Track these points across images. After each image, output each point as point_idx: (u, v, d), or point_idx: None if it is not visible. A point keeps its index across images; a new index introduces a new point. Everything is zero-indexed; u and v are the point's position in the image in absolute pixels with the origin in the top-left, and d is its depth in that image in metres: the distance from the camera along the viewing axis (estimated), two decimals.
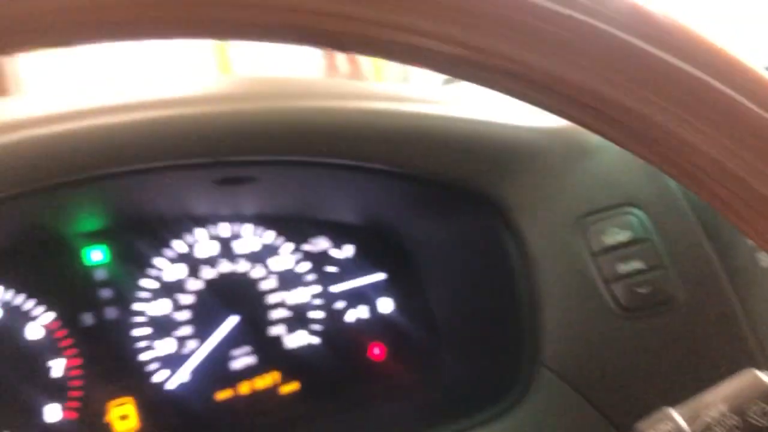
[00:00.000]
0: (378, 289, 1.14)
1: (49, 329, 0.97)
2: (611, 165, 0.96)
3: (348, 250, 1.12)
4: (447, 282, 1.02)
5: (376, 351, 1.13)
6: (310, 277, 1.10)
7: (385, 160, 0.86)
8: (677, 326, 0.85)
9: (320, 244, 1.11)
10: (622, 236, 0.89)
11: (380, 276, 1.14)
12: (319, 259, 1.11)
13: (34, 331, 0.96)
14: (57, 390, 0.97)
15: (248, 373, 1.07)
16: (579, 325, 0.86)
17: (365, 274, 1.13)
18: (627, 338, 0.85)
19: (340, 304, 1.12)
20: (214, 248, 1.05)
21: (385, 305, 1.14)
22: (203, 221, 1.05)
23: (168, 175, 0.76)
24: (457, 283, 1.00)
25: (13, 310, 0.95)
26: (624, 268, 0.87)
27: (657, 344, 0.84)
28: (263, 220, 1.07)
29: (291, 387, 1.10)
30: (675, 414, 0.52)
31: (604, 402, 0.83)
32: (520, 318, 0.91)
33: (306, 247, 1.10)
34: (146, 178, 0.77)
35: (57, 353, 0.97)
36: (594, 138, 0.93)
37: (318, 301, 1.11)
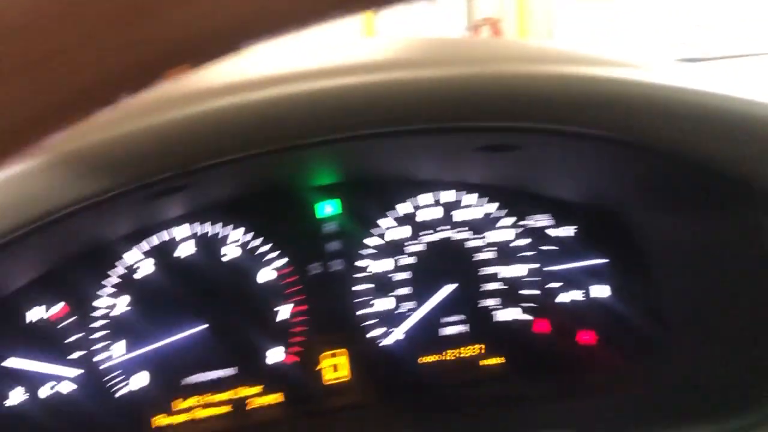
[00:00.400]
0: (596, 274, 1.09)
1: (281, 274, 1.00)
2: None
3: (569, 230, 1.08)
4: (685, 273, 0.96)
5: (587, 337, 1.09)
6: (528, 253, 1.07)
7: (640, 134, 0.79)
8: None
9: (542, 220, 1.07)
10: None
11: (600, 260, 1.09)
12: (538, 236, 1.07)
13: (267, 274, 1.00)
14: (281, 333, 1.01)
15: (456, 341, 1.06)
16: None
17: (585, 257, 1.08)
18: None
19: (554, 284, 1.08)
20: (437, 213, 1.04)
21: (602, 290, 1.09)
22: (429, 186, 1.04)
23: (424, 139, 0.74)
24: (699, 276, 0.93)
25: (250, 251, 0.99)
26: None
27: None
28: (488, 191, 1.04)
29: (494, 361, 1.08)
30: None
31: None
32: None
33: (527, 222, 1.07)
34: (394, 140, 0.75)
35: (285, 298, 1.00)
36: None
37: (533, 279, 1.08)
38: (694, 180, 0.89)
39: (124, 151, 0.56)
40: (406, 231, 1.03)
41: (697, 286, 0.95)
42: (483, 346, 1.07)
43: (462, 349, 1.07)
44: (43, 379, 0.92)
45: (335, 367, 1.03)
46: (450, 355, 1.06)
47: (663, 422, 0.89)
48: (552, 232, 1.08)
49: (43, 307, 0.92)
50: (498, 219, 1.06)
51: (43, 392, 0.92)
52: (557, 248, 1.08)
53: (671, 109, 0.73)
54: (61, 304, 0.93)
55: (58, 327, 0.92)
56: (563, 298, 1.08)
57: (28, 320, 0.91)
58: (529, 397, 1.00)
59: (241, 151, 0.63)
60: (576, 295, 1.09)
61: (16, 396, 0.91)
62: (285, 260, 1.00)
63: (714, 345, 0.92)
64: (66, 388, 0.93)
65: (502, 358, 1.08)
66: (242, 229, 0.99)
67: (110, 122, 0.56)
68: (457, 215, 1.05)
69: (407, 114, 0.62)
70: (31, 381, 0.91)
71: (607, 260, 1.08)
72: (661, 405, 0.93)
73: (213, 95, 0.59)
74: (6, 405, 0.91)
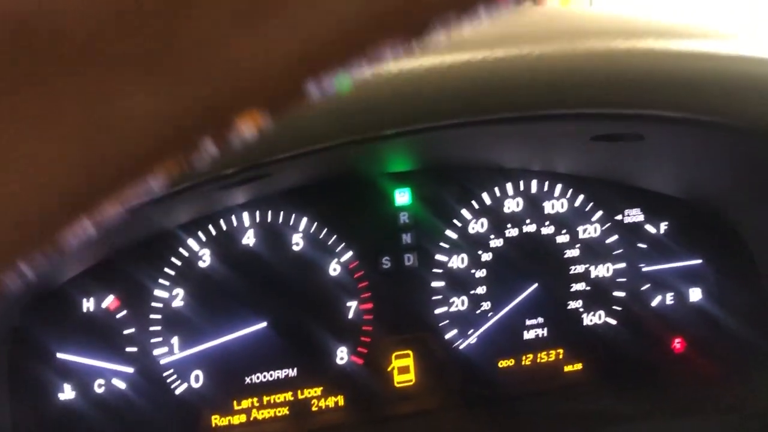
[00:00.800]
0: (691, 275, 0.98)
1: (349, 268, 0.92)
2: None
3: (663, 226, 0.98)
4: None
5: (679, 345, 0.99)
6: (619, 251, 0.97)
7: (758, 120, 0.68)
8: None
9: (634, 216, 0.97)
10: None
11: (695, 260, 0.98)
12: (630, 233, 0.97)
13: (333, 268, 0.92)
14: (347, 333, 0.93)
15: (535, 345, 0.97)
16: None
17: (679, 256, 0.98)
18: None
19: (646, 286, 0.98)
20: (522, 205, 0.95)
21: (699, 293, 0.99)
22: (513, 175, 0.94)
23: (540, 126, 0.65)
24: None
25: (316, 243, 0.91)
26: None
27: None
28: (577, 182, 0.94)
29: (577, 368, 0.99)
30: None
31: None
32: None
33: (618, 217, 0.97)
34: (502, 127, 0.65)
35: (352, 294, 0.92)
36: None
37: (623, 280, 0.98)
38: None
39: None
40: (488, 224, 0.94)
41: None
42: (564, 351, 0.98)
43: (543, 354, 0.98)
44: (98, 373, 0.86)
45: (404, 369, 0.95)
46: (529, 360, 0.98)
47: None
48: (645, 228, 0.97)
49: (98, 298, 0.85)
50: (588, 213, 0.96)
51: (98, 388, 0.86)
52: (651, 246, 0.97)
53: None
54: (116, 296, 0.86)
55: (113, 320, 0.86)
56: (654, 301, 0.98)
57: (81, 312, 0.85)
58: (614, 414, 0.91)
59: (325, 142, 0.54)
60: (668, 298, 0.98)
61: (70, 391, 0.85)
62: (352, 253, 0.91)
63: None
64: (121, 384, 0.87)
65: (586, 366, 0.99)
66: (309, 219, 0.90)
67: None
68: (545, 208, 0.95)
69: (526, 99, 0.52)
70: (85, 376, 0.86)
71: (702, 260, 0.97)
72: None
73: None
74: (60, 399, 0.85)
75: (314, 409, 0.94)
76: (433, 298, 0.94)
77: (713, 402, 0.90)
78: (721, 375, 0.93)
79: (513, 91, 0.52)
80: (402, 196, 0.93)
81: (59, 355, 0.84)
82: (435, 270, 0.93)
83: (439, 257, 0.93)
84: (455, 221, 0.93)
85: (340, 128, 0.51)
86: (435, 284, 0.94)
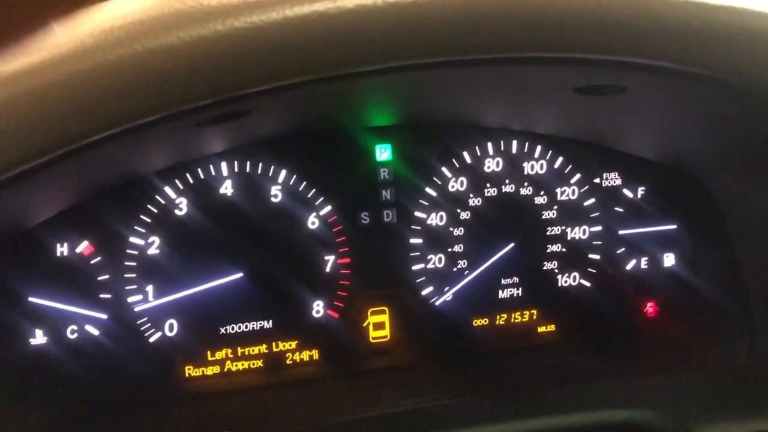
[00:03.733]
0: (668, 240, 0.99)
1: (326, 222, 0.92)
2: None
3: (640, 190, 0.98)
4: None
5: (652, 308, 1.00)
6: (596, 214, 0.98)
7: (745, 75, 0.67)
8: None
9: (612, 179, 0.97)
10: None
11: (673, 225, 0.99)
12: (608, 197, 0.98)
13: (311, 222, 0.91)
14: (323, 286, 0.93)
15: (510, 304, 0.98)
16: None
17: (656, 221, 0.99)
18: None
19: (621, 250, 0.99)
20: (502, 165, 0.95)
21: (673, 258, 1.00)
22: (494, 134, 0.94)
23: (524, 71, 0.64)
24: None
25: (294, 196, 0.90)
26: None
27: None
28: (557, 143, 0.94)
29: (551, 328, 1.00)
30: None
31: None
32: None
33: (597, 180, 0.97)
34: (493, 69, 0.64)
35: (329, 248, 0.92)
36: None
37: (598, 242, 0.98)
38: None
39: (166, 69, 0.47)
40: (467, 183, 0.94)
41: None
42: (538, 311, 0.99)
43: (517, 313, 0.99)
44: (70, 319, 0.85)
45: (379, 325, 0.96)
46: (503, 319, 0.98)
47: (740, 409, 0.80)
48: (623, 192, 0.98)
49: (72, 243, 0.84)
50: (567, 175, 0.96)
51: (70, 334, 0.86)
52: (627, 210, 0.98)
53: None
54: (90, 242, 0.85)
55: (87, 265, 0.85)
56: (629, 264, 0.99)
57: (55, 256, 0.84)
58: (586, 371, 0.92)
59: (299, 76, 0.53)
60: (643, 262, 1.00)
61: (42, 336, 0.84)
62: (331, 207, 0.91)
63: None
64: (94, 330, 0.86)
65: (560, 327, 1.00)
66: (288, 171, 0.90)
67: (150, 32, 0.47)
68: (524, 169, 0.95)
69: (507, 40, 0.51)
70: (58, 321, 0.85)
71: (677, 225, 0.98)
72: (738, 389, 0.84)
73: (274, 5, 0.49)
74: (32, 344, 0.84)
75: (289, 362, 0.94)
76: (411, 254, 0.94)
77: (684, 361, 0.92)
78: (692, 336, 0.95)
79: (494, 31, 0.51)
80: (383, 152, 0.92)
81: (31, 299, 0.83)
82: (413, 227, 0.94)
83: (417, 214, 0.94)
84: (435, 179, 0.93)
85: (317, 63, 0.50)
86: (413, 241, 0.94)
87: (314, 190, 0.91)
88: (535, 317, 0.99)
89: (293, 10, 0.49)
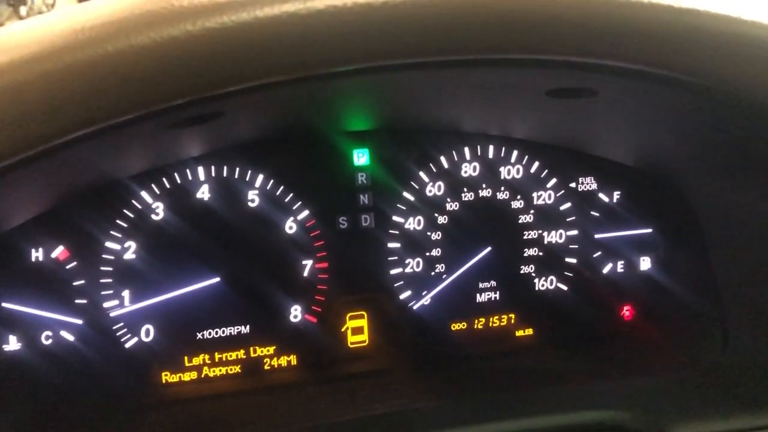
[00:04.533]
0: (644, 243, 1.01)
1: (304, 227, 0.92)
2: None
3: (616, 195, 0.99)
4: (741, 245, 0.87)
5: (628, 312, 1.01)
6: (572, 218, 0.99)
7: (733, 82, 0.68)
8: None
9: (588, 183, 0.99)
10: None
11: (649, 229, 1.00)
12: (584, 201, 0.99)
13: (288, 226, 0.91)
14: (300, 291, 0.93)
15: (488, 308, 0.99)
16: None
17: (632, 225, 1.00)
18: None
19: (598, 254, 1.00)
20: (479, 170, 0.95)
21: (649, 262, 1.01)
22: (471, 139, 0.95)
23: (499, 74, 0.64)
24: (758, 248, 0.85)
25: (272, 200, 0.91)
26: None
27: None
28: (534, 148, 0.95)
29: (528, 332, 1.01)
30: None
31: None
32: None
33: (573, 184, 0.98)
34: (461, 72, 0.65)
35: (307, 253, 0.92)
36: None
37: (575, 246, 0.99)
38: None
39: (136, 70, 0.47)
40: (444, 187, 0.95)
41: (754, 259, 0.86)
42: (516, 315, 1.00)
43: (495, 317, 0.99)
44: (45, 325, 0.85)
45: (358, 330, 0.96)
46: (481, 323, 0.99)
47: (714, 409, 0.81)
48: (599, 197, 0.99)
49: (47, 248, 0.84)
50: (543, 180, 0.97)
51: (45, 339, 0.85)
52: (603, 214, 0.99)
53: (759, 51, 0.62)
54: (66, 247, 0.85)
55: (62, 270, 0.84)
56: (605, 268, 1.00)
57: (29, 261, 0.83)
58: (561, 374, 0.92)
59: (270, 76, 0.53)
60: (619, 266, 1.01)
61: (15, 342, 0.84)
62: (309, 212, 0.91)
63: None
64: (69, 336, 0.86)
65: (537, 330, 1.00)
66: (265, 175, 0.90)
67: (120, 32, 0.47)
68: (501, 173, 0.96)
69: (479, 41, 0.52)
70: (32, 326, 0.84)
71: (652, 229, 0.99)
72: (712, 390, 0.85)
73: (245, 5, 0.49)
74: (5, 350, 0.83)
75: (266, 367, 0.94)
76: (389, 258, 0.94)
77: (659, 362, 0.93)
78: (668, 338, 0.96)
79: (463, 33, 0.52)
80: (360, 157, 0.93)
81: (4, 305, 0.83)
82: (391, 231, 0.94)
83: (395, 218, 0.94)
84: (412, 183, 0.94)
85: (285, 64, 0.51)
86: (391, 245, 0.94)
87: (292, 194, 0.91)
88: (513, 321, 1.00)
89: (264, 10, 0.49)
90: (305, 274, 0.92)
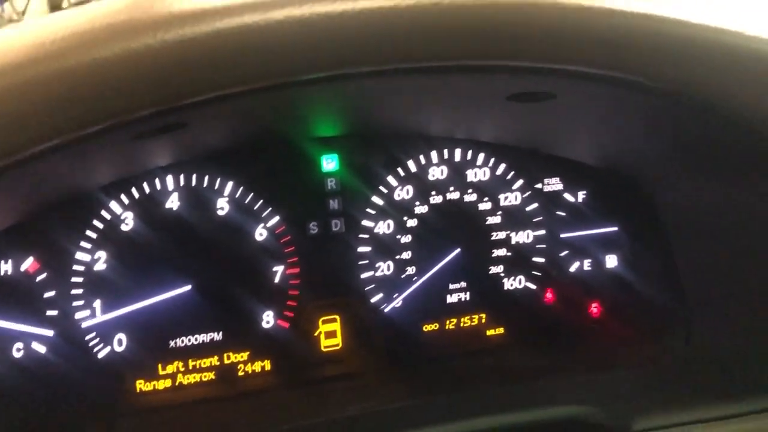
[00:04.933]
0: (608, 242, 1.03)
1: (275, 233, 0.93)
2: None
3: (581, 195, 1.02)
4: (704, 241, 0.90)
5: (596, 309, 1.04)
6: (538, 218, 1.01)
7: (682, 84, 0.70)
8: None
9: (554, 184, 1.01)
10: None
11: (612, 227, 1.03)
12: (550, 201, 1.01)
13: (259, 233, 0.92)
14: (273, 297, 0.94)
15: (458, 309, 1.00)
16: None
17: (597, 223, 1.02)
18: None
19: (565, 253, 1.02)
20: (447, 173, 0.97)
21: (615, 260, 1.03)
22: (438, 143, 0.97)
23: (460, 80, 0.66)
24: (720, 243, 0.87)
25: (242, 207, 0.91)
26: None
27: None
28: (500, 151, 0.97)
29: (499, 331, 1.02)
30: None
31: None
32: None
33: (539, 185, 1.00)
34: (397, 80, 0.66)
35: (278, 259, 0.93)
36: None
37: (542, 246, 1.01)
38: (727, 136, 0.81)
39: (105, 79, 0.48)
40: (413, 191, 0.96)
41: (717, 254, 0.89)
42: (486, 315, 1.02)
43: (466, 318, 1.01)
44: (16, 337, 0.85)
45: (330, 333, 0.97)
46: (452, 324, 1.00)
47: (678, 401, 0.83)
48: (564, 197, 1.01)
49: (17, 260, 0.84)
50: (510, 181, 0.99)
51: (16, 352, 0.85)
52: (569, 214, 1.02)
53: (715, 54, 0.65)
54: (36, 258, 0.85)
55: (32, 283, 0.84)
56: (572, 267, 1.02)
57: None
58: (531, 371, 0.94)
59: (237, 86, 0.54)
60: (586, 264, 1.03)
61: None
62: (279, 218, 0.92)
63: (735, 318, 0.87)
64: (41, 347, 0.86)
65: (507, 329, 1.02)
66: (234, 183, 0.91)
67: (86, 45, 0.48)
68: (468, 176, 0.98)
69: (443, 48, 0.54)
70: (3, 339, 0.84)
71: (618, 227, 1.02)
72: (676, 382, 0.88)
73: (204, 17, 0.50)
74: None
75: (241, 373, 0.95)
76: (360, 263, 0.95)
77: (626, 358, 0.95)
78: (635, 334, 0.98)
79: (419, 40, 0.53)
80: (329, 163, 0.94)
81: None
82: (361, 235, 0.95)
83: (365, 223, 0.95)
84: (381, 188, 0.95)
85: (251, 74, 0.52)
86: (361, 249, 0.95)
87: (261, 201, 0.92)
88: (483, 320, 1.01)
89: (223, 22, 0.50)
90: (276, 280, 0.93)
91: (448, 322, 1.00)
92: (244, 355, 0.95)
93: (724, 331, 0.88)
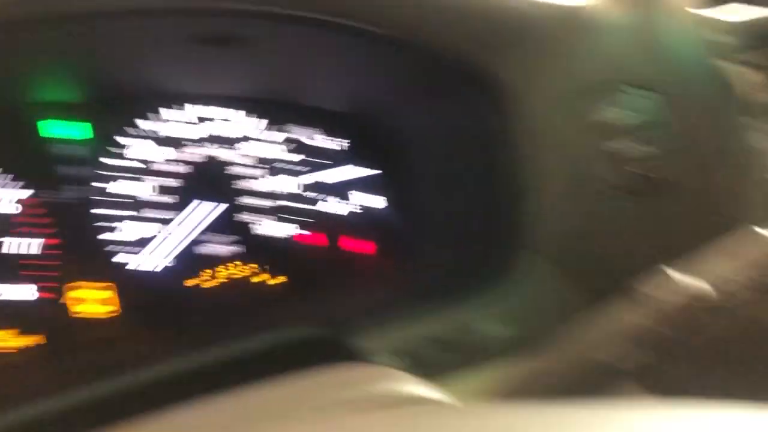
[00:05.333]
0: (374, 185, 1.09)
1: (25, 204, 0.93)
2: (619, 46, 0.89)
3: (336, 142, 1.07)
4: (438, 171, 0.97)
5: (356, 243, 1.09)
6: (299, 168, 1.05)
7: (389, 26, 0.77)
8: (668, 207, 0.79)
9: (311, 134, 1.06)
10: (621, 115, 0.83)
11: (366, 170, 1.09)
12: (308, 151, 1.06)
13: (7, 206, 0.93)
14: (35, 269, 0.94)
15: (221, 262, 1.03)
16: (568, 204, 0.81)
17: (352, 167, 1.08)
18: (617, 217, 0.79)
19: (329, 199, 1.07)
20: (193, 129, 1.00)
21: (370, 199, 1.09)
22: (174, 98, 1.00)
23: (133, 23, 0.69)
24: (449, 171, 0.95)
25: None
26: (617, 147, 0.81)
27: (648, 224, 0.78)
28: (244, 101, 1.02)
29: (263, 276, 1.05)
30: (676, 273, 0.46)
31: (591, 280, 0.78)
32: (511, 203, 0.86)
33: (294, 136, 1.05)
34: (106, 26, 0.69)
35: (31, 230, 0.94)
36: (605, 18, 0.86)
37: (305, 194, 1.06)
38: (441, 74, 0.88)
39: None
40: (157, 149, 0.99)
41: (447, 182, 0.96)
42: (259, 265, 1.05)
43: (232, 269, 1.03)
44: None
45: (95, 301, 0.97)
46: (221, 275, 1.03)
47: (414, 305, 0.89)
48: (318, 144, 1.06)
49: None
50: (260, 132, 1.03)
51: None
52: (330, 161, 1.07)
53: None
54: None
55: None
56: (332, 208, 1.07)
57: None
58: (299, 302, 0.97)
59: None
60: (344, 205, 1.08)
61: None
62: (31, 191, 0.92)
63: (459, 236, 0.93)
64: None
65: (283, 278, 1.06)
66: None
67: None
68: (221, 131, 1.01)
69: None
70: None
71: (371, 170, 1.08)
72: (420, 293, 0.93)
73: None
74: None
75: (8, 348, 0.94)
76: (113, 225, 0.97)
77: (390, 282, 1.00)
78: (396, 262, 1.03)
79: None
80: (73, 129, 0.95)
81: None
82: (110, 199, 0.97)
83: (112, 186, 0.97)
84: (129, 151, 0.97)
85: None
86: (112, 212, 0.97)
87: (11, 175, 0.92)
88: (250, 272, 1.04)
89: None
90: (37, 252, 0.93)
91: (214, 274, 1.02)
92: (14, 333, 0.94)
93: (453, 248, 0.94)
